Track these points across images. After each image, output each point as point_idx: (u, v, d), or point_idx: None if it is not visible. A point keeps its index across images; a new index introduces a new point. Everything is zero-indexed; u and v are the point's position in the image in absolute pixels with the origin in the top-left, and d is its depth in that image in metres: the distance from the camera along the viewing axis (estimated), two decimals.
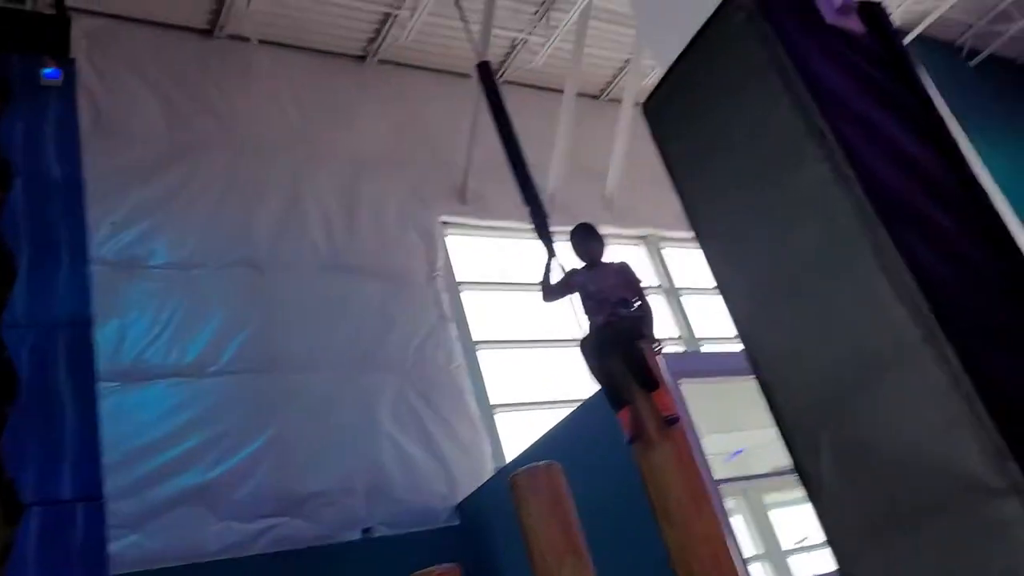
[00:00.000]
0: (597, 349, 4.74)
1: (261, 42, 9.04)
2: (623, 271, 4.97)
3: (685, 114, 2.50)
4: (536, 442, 6.74)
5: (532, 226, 5.45)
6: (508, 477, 5.69)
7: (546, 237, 5.31)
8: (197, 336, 7.06)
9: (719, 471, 6.78)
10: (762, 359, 2.15)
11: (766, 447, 10.75)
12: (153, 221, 7.48)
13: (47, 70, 6.84)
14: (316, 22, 9.33)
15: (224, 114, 8.52)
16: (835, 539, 1.99)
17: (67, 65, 7.13)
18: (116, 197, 7.29)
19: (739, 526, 8.07)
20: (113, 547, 5.20)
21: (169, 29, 8.73)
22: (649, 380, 4.54)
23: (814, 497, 2.05)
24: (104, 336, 6.29)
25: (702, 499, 4.50)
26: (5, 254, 6.20)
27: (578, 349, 4.85)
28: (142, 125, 7.96)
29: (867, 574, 1.85)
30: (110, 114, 7.79)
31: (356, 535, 6.85)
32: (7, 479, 5.29)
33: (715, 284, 2.35)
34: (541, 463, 5.52)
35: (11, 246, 6.13)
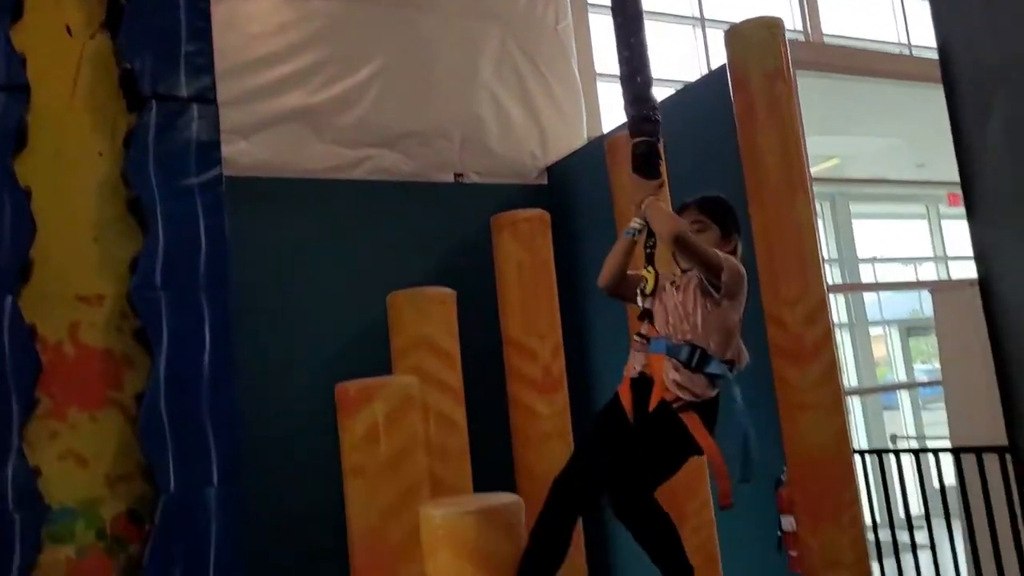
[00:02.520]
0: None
1: None
2: None
3: None
4: None
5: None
6: (606, 141, 5.70)
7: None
8: None
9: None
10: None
11: (860, 157, 10.54)
12: None
13: None
14: None
15: None
16: (978, 202, 1.87)
17: None
18: None
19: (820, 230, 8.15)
20: (225, 150, 5.43)
21: None
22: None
23: (966, 163, 1.90)
24: None
25: (799, 188, 4.48)
26: None
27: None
28: None
29: (1007, 240, 1.82)
30: None
31: (448, 178, 7.09)
32: (124, 68, 5.44)
33: None
34: None
35: None
